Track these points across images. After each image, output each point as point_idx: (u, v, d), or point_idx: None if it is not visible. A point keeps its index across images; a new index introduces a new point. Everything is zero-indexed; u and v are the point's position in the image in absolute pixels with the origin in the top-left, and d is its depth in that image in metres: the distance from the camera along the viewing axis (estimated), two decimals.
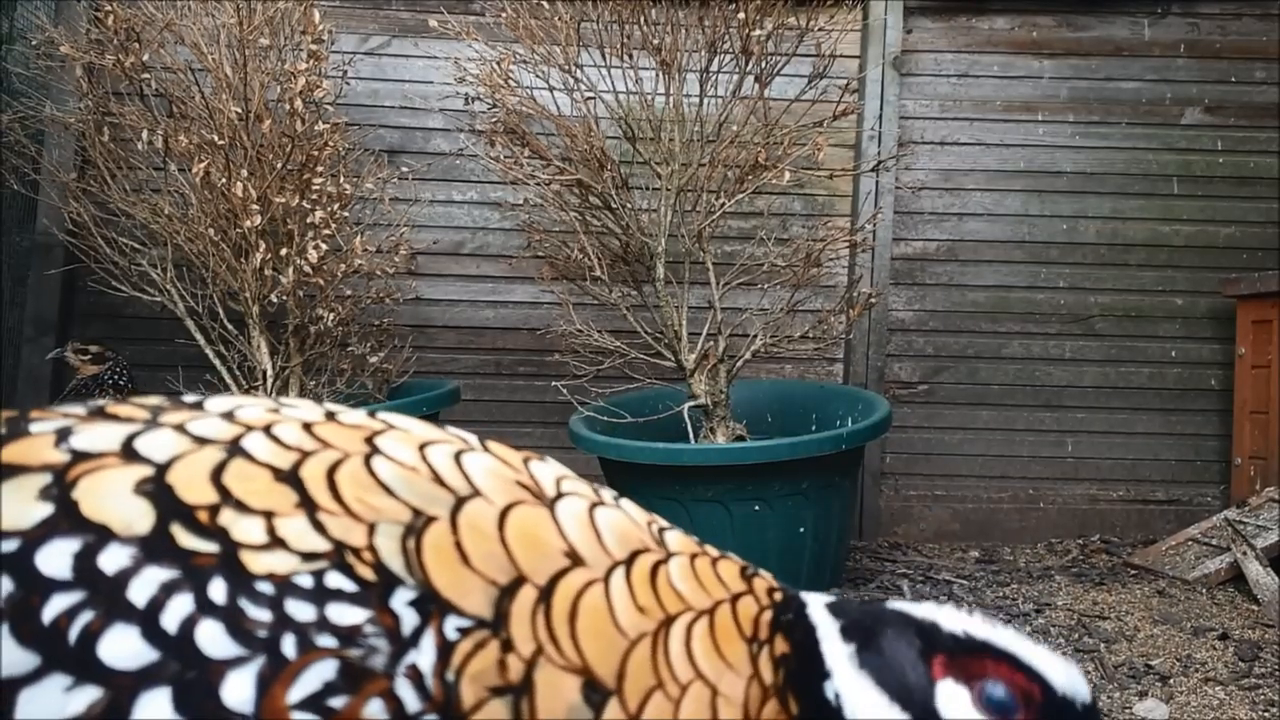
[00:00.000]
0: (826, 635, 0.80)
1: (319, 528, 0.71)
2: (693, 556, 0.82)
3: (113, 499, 0.70)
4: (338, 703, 0.66)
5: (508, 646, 0.72)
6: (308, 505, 0.72)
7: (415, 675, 0.69)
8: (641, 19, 3.48)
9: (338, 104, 3.70)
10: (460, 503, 0.76)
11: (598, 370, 3.60)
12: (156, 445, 0.75)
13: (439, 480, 0.78)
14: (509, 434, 3.88)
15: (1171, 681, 2.59)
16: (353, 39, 4.36)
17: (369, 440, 0.80)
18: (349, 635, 0.68)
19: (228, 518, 0.70)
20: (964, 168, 4.54)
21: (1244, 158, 4.53)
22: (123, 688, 0.64)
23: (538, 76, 3.58)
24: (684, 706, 0.74)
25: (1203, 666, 2.69)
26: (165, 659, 0.65)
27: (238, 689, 0.65)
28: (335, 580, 0.69)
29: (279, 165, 3.23)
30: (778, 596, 0.84)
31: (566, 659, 0.73)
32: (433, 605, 0.71)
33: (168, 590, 0.67)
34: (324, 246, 3.27)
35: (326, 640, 0.67)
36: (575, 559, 0.77)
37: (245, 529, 0.70)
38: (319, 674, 0.66)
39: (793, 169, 3.53)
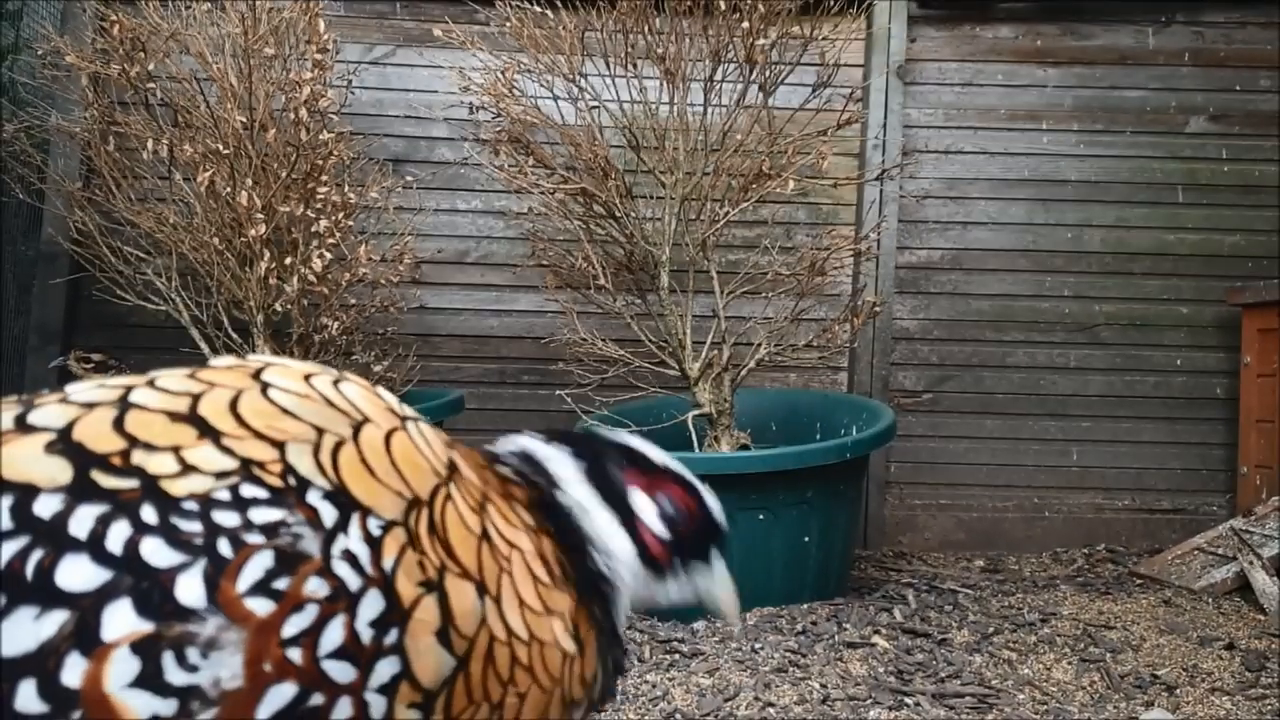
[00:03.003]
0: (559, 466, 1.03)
1: (226, 451, 0.82)
2: (451, 447, 0.98)
3: (29, 461, 0.79)
4: (281, 584, 0.78)
5: (423, 553, 0.85)
6: (211, 435, 0.83)
7: (351, 558, 0.81)
8: (646, 28, 3.48)
9: (342, 113, 3.70)
10: (358, 426, 0.88)
11: (602, 379, 3.59)
12: (49, 416, 0.83)
13: (331, 404, 0.89)
14: None
15: (1178, 691, 2.57)
16: (357, 48, 4.37)
17: (256, 377, 0.90)
18: (274, 528, 0.79)
19: (140, 457, 0.80)
20: (968, 176, 4.53)
21: (1249, 166, 4.52)
22: (86, 607, 0.74)
23: (542, 86, 3.59)
24: (516, 574, 0.92)
25: (1209, 676, 2.67)
26: (119, 576, 0.75)
27: (189, 589, 0.76)
28: (249, 490, 0.80)
29: (284, 174, 3.24)
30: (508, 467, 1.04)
31: (462, 569, 0.87)
32: (346, 501, 0.82)
33: (104, 521, 0.77)
34: (328, 255, 3.28)
35: (255, 537, 0.79)
36: (439, 476, 0.90)
37: (159, 463, 0.80)
38: (260, 564, 0.78)
39: (797, 178, 3.53)
